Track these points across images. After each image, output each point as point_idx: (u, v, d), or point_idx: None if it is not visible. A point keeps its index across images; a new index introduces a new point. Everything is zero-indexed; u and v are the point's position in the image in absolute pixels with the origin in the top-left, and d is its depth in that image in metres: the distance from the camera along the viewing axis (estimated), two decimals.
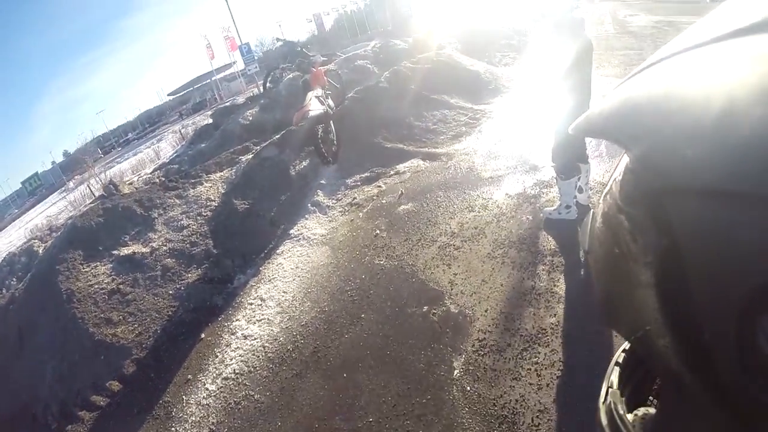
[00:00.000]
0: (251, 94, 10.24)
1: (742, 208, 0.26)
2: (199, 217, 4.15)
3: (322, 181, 4.23)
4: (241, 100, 9.06)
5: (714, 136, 0.28)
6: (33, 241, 5.01)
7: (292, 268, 3.38)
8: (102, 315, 3.49)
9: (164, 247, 3.89)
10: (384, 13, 18.10)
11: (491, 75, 6.04)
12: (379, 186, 4.04)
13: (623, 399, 0.48)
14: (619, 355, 0.53)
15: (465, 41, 7.43)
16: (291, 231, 3.77)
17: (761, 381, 0.26)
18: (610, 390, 0.49)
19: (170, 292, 3.54)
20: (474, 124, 4.91)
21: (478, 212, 3.24)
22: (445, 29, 8.08)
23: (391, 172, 4.19)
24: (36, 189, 26.41)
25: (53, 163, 32.47)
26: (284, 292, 3.13)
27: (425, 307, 2.48)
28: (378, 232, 3.38)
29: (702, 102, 0.30)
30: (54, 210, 11.20)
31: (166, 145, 12.54)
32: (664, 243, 0.32)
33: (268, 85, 6.11)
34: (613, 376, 0.51)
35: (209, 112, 12.66)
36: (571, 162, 2.64)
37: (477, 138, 4.55)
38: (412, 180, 3.99)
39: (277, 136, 4.83)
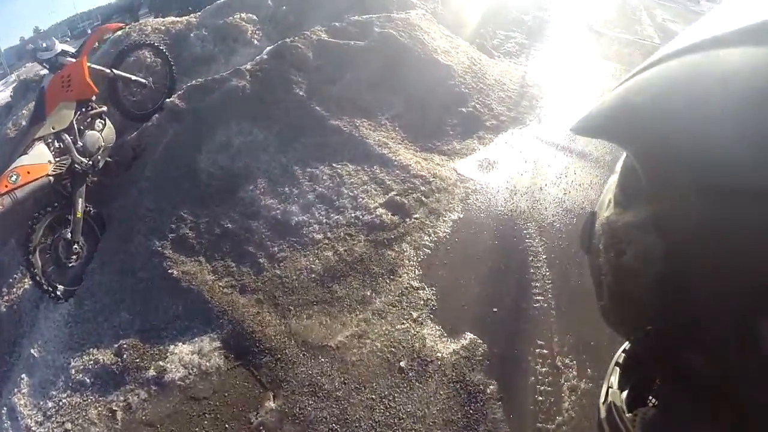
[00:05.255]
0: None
1: (743, 206, 0.25)
2: None
3: (33, 351, 1.61)
4: None
5: (715, 135, 0.27)
6: None
7: None
8: None
9: None
10: None
11: (476, 79, 3.24)
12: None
13: (623, 399, 0.46)
14: (619, 356, 0.50)
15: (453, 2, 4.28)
16: None
17: (761, 382, 0.25)
18: (610, 390, 0.46)
19: None
20: (393, 242, 2.20)
21: None
22: None
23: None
24: None
25: None
26: None
27: None
28: None
29: (702, 101, 0.29)
30: None
31: None
32: (665, 242, 0.31)
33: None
34: (613, 376, 0.49)
35: None
36: None
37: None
38: None
39: None
